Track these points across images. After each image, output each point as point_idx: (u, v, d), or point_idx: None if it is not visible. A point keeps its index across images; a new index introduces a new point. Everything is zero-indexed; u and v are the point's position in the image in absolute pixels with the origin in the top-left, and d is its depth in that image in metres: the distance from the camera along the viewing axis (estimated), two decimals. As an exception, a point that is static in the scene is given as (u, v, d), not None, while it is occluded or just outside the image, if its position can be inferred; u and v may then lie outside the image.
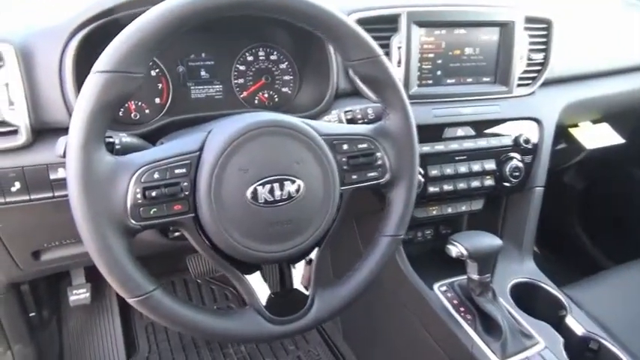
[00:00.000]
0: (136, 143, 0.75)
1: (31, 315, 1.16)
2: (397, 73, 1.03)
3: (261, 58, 1.06)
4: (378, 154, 0.76)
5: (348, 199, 0.75)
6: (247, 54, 1.05)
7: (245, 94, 1.06)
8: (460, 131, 1.09)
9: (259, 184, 0.66)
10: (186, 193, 0.64)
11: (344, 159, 0.73)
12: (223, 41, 1.02)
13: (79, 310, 1.36)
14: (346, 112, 0.87)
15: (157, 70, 0.98)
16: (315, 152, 0.69)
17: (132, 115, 0.96)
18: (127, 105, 0.96)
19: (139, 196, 0.61)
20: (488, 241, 0.96)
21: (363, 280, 0.76)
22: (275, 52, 1.07)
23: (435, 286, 1.07)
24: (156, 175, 0.63)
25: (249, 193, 0.65)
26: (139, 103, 0.97)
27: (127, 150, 0.69)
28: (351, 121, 0.86)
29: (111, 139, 0.70)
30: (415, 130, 0.77)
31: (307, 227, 0.70)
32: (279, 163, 0.67)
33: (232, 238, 0.65)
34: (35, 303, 1.17)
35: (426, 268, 1.11)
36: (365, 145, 0.75)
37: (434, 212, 1.15)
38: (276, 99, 1.08)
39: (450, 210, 1.16)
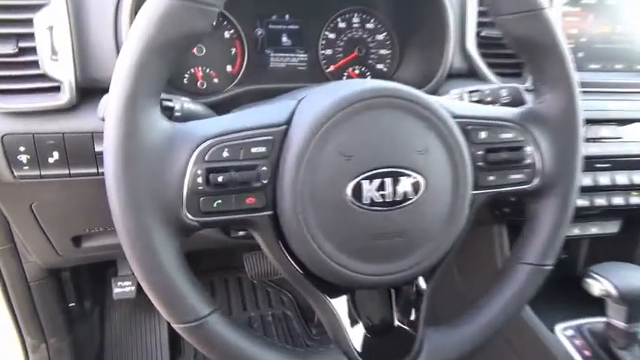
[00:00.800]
0: (202, 112, 0.57)
1: (70, 305, 1.03)
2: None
3: (355, 25, 0.86)
4: (528, 149, 0.54)
5: (480, 208, 0.54)
6: (339, 20, 0.85)
7: (332, 67, 0.86)
8: (604, 131, 0.84)
9: (365, 178, 0.46)
10: (264, 181, 0.46)
11: (480, 152, 0.52)
12: (312, 2, 0.84)
13: (123, 303, 1.23)
14: (471, 92, 0.66)
15: (232, 32, 0.80)
16: (445, 139, 0.49)
17: (198, 83, 0.80)
18: (192, 71, 0.79)
19: (199, 180, 0.44)
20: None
21: (491, 323, 0.55)
22: (372, 20, 0.87)
23: (558, 329, 0.84)
24: (225, 154, 0.45)
25: (350, 188, 0.46)
26: (208, 70, 0.80)
27: (189, 119, 0.51)
28: (476, 105, 0.65)
29: (170, 103, 0.53)
30: (582, 119, 0.55)
31: (424, 243, 0.50)
32: (396, 150, 0.47)
33: (322, 251, 0.46)
34: (76, 292, 1.04)
35: (542, 302, 0.88)
36: (510, 135, 0.53)
37: (557, 232, 0.91)
38: (369, 76, 0.88)
39: (576, 231, 0.92)
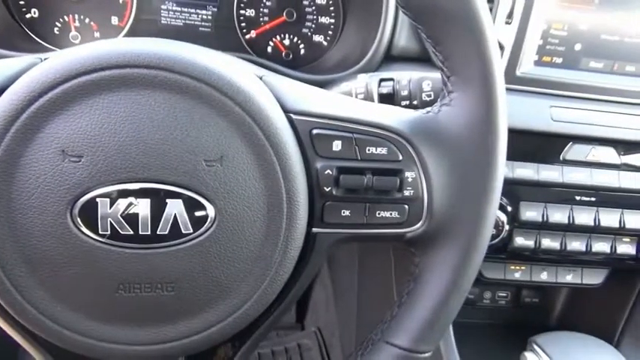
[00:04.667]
0: None
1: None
2: (500, 32, 0.61)
3: (288, -19, 0.68)
4: (409, 176, 0.35)
5: (329, 248, 0.36)
6: (267, -29, 0.67)
7: (253, 34, 0.68)
8: (595, 153, 0.63)
9: (104, 195, 0.29)
10: None
11: (329, 172, 0.34)
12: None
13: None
14: (382, 80, 0.47)
15: (122, -25, 0.63)
16: (257, 144, 0.31)
17: (70, 36, 0.64)
18: (66, 20, 0.63)
19: None
20: (603, 356, 0.52)
21: None
22: (313, -24, 0.68)
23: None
24: None
25: (77, 208, 0.29)
26: (87, 20, 0.64)
27: None
28: (386, 100, 0.46)
29: None
30: (503, 136, 0.35)
31: (213, 301, 0.32)
32: (164, 155, 0.30)
33: (26, 298, 0.30)
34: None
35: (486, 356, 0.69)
36: (382, 151, 0.35)
37: (517, 275, 0.71)
38: (302, 50, 0.70)
39: (544, 277, 0.71)
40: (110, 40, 0.31)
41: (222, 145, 0.30)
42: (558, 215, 0.62)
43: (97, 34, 0.64)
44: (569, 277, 0.71)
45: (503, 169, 0.35)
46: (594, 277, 0.71)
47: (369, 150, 0.34)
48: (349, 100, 0.37)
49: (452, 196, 0.35)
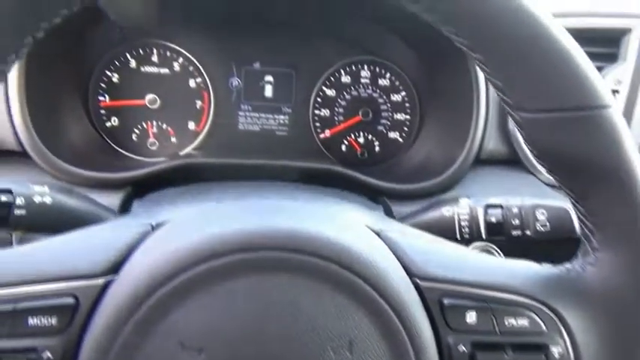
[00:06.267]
0: (71, 210, 0.40)
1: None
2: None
3: (363, 81, 0.66)
4: (555, 351, 0.30)
5: None
6: (342, 71, 0.66)
7: (328, 133, 0.66)
8: None
9: None
10: None
11: (464, 348, 0.30)
12: (308, 46, 0.65)
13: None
14: (489, 206, 0.43)
15: (199, 80, 0.63)
16: (387, 324, 0.27)
17: (148, 142, 0.63)
18: (143, 125, 0.63)
19: None
20: None
21: None
22: (388, 75, 0.66)
23: None
24: None
25: None
26: (164, 126, 0.63)
27: (38, 225, 0.34)
28: (493, 228, 0.42)
29: (8, 190, 0.37)
30: None
31: None
32: (288, 347, 0.26)
33: None
34: None
35: None
36: (525, 323, 0.30)
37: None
38: (378, 148, 0.67)
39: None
40: (226, 218, 0.28)
41: (351, 329, 0.27)
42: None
43: (173, 140, 0.64)
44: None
45: None
46: None
47: (508, 322, 0.30)
48: (478, 257, 0.34)
49: None
